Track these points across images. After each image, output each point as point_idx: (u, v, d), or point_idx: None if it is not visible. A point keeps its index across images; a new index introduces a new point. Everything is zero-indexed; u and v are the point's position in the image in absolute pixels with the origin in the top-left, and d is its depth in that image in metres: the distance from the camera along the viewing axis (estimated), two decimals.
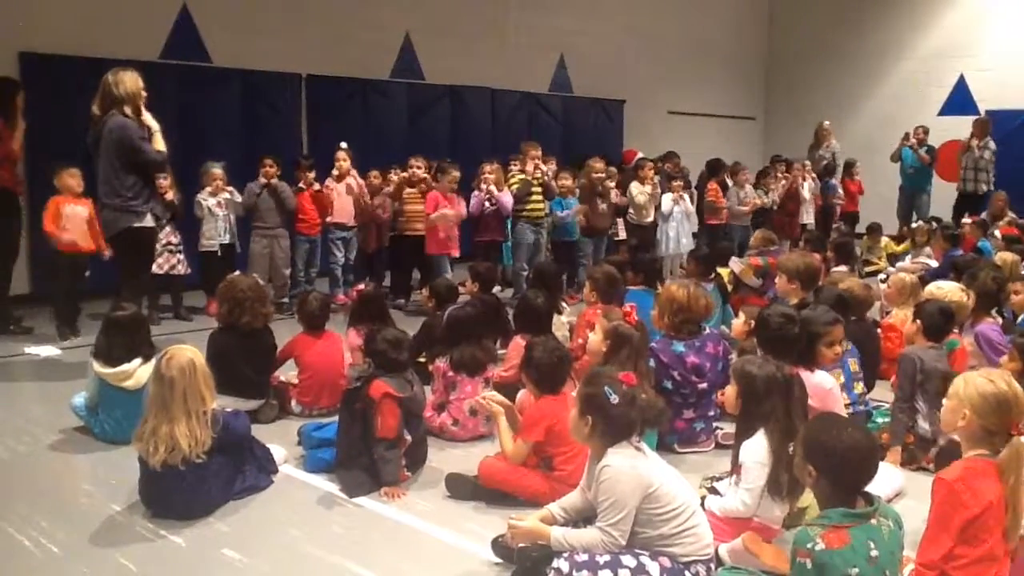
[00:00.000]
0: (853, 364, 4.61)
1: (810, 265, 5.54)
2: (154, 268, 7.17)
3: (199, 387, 3.61)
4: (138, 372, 4.45)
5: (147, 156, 5.38)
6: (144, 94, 5.43)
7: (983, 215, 10.59)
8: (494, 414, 3.92)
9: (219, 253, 7.73)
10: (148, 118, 5.44)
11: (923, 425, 4.21)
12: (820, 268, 5.93)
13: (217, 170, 7.70)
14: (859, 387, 4.64)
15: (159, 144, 5.41)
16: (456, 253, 8.21)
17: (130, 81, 5.35)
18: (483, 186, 8.29)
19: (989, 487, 2.65)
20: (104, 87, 5.35)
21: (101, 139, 5.35)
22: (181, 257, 7.58)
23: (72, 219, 6.81)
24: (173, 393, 3.55)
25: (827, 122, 12.79)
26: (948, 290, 5.14)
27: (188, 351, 3.70)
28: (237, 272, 5.44)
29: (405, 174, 8.42)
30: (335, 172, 8.28)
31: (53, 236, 6.76)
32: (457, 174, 8.15)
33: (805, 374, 3.87)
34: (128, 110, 5.36)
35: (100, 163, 5.44)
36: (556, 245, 8.98)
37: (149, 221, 5.46)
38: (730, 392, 3.40)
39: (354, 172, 8.32)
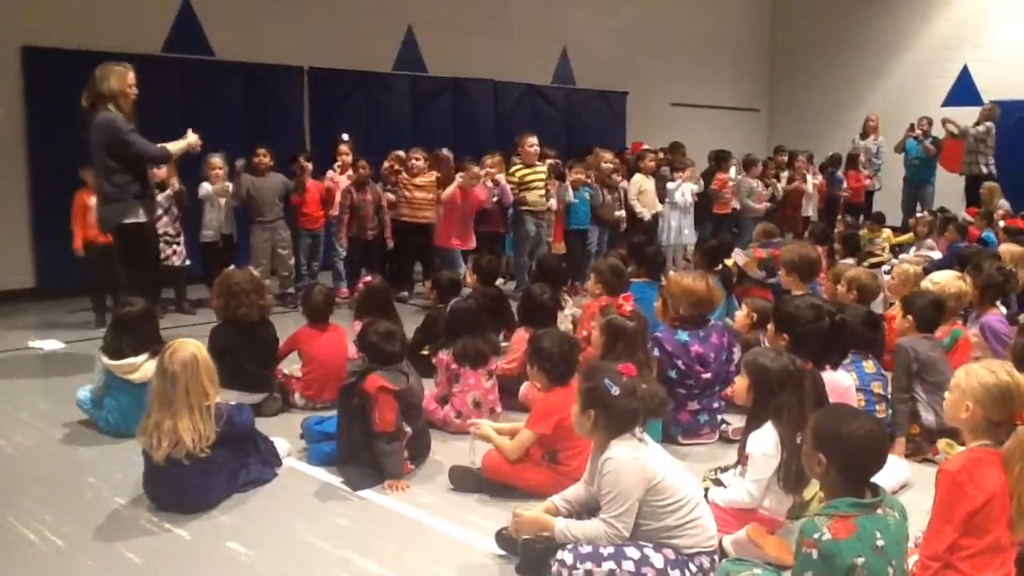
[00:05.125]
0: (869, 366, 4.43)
1: (806, 256, 5.48)
2: None
3: (202, 381, 3.60)
4: (144, 366, 4.44)
5: (138, 148, 5.21)
6: (133, 92, 5.22)
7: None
8: (486, 439, 3.87)
9: (220, 244, 7.72)
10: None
11: (927, 416, 4.19)
12: (819, 260, 5.90)
13: (216, 159, 7.59)
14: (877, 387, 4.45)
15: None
16: (465, 246, 8.17)
17: (115, 79, 5.16)
18: (487, 181, 8.25)
19: (992, 477, 2.64)
20: (91, 81, 5.19)
21: (90, 135, 5.24)
22: (177, 248, 7.49)
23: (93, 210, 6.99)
24: (175, 387, 3.54)
25: (874, 114, 12.86)
26: (944, 282, 5.04)
27: (191, 345, 3.69)
28: (233, 266, 5.42)
29: (389, 164, 8.33)
30: (338, 165, 8.25)
31: (75, 235, 6.91)
32: (479, 171, 8.06)
33: (823, 372, 3.86)
34: (112, 107, 5.20)
35: (92, 160, 5.39)
36: (566, 233, 8.97)
37: (141, 216, 5.32)
38: (741, 384, 3.39)
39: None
